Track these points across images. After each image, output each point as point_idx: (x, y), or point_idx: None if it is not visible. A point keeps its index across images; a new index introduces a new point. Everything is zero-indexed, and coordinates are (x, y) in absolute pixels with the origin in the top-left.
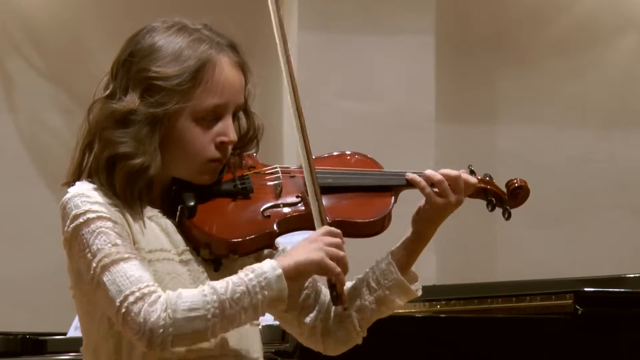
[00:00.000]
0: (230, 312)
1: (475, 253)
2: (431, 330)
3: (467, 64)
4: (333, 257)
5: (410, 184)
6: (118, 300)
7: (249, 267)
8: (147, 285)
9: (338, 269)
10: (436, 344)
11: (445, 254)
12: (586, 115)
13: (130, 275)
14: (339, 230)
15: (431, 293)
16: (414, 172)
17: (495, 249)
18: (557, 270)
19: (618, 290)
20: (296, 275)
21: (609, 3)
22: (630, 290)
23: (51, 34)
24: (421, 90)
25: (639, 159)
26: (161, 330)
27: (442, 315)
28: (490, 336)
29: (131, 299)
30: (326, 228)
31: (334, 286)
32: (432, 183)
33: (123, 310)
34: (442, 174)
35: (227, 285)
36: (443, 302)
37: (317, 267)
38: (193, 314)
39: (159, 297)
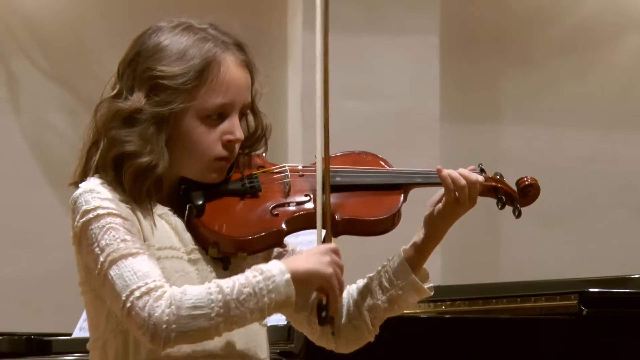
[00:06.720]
0: (235, 313)
1: (480, 253)
2: (436, 331)
3: (472, 64)
4: (338, 279)
5: (420, 183)
6: (124, 295)
7: (256, 268)
8: (154, 281)
9: (338, 292)
10: (441, 345)
11: (450, 255)
12: (589, 116)
13: (138, 270)
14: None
15: (436, 293)
16: (443, 169)
17: (500, 250)
18: (561, 271)
19: (623, 290)
20: (303, 282)
21: (612, 4)
22: (634, 290)
23: (55, 34)
24: (426, 90)
25: None
26: (164, 326)
27: (447, 316)
28: (495, 337)
29: (137, 293)
30: (334, 246)
31: (326, 307)
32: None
33: (128, 304)
34: (462, 176)
35: (233, 284)
36: (448, 303)
37: (325, 282)
38: (197, 311)
39: (165, 292)
